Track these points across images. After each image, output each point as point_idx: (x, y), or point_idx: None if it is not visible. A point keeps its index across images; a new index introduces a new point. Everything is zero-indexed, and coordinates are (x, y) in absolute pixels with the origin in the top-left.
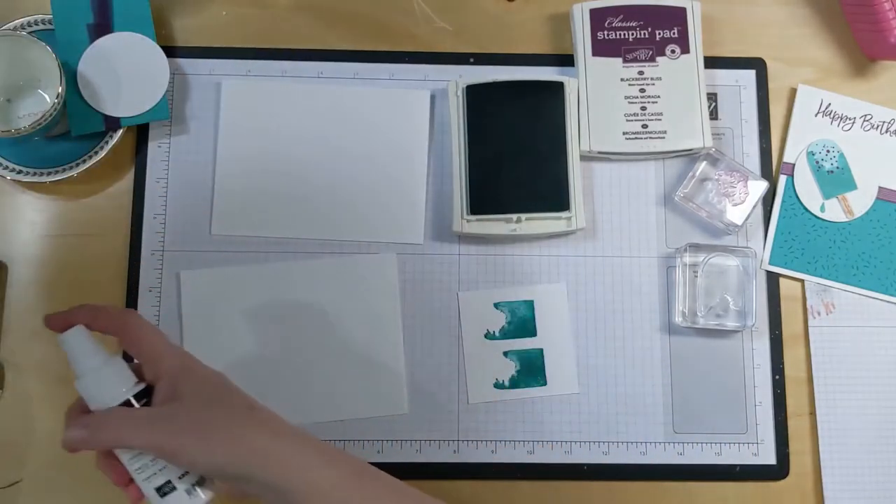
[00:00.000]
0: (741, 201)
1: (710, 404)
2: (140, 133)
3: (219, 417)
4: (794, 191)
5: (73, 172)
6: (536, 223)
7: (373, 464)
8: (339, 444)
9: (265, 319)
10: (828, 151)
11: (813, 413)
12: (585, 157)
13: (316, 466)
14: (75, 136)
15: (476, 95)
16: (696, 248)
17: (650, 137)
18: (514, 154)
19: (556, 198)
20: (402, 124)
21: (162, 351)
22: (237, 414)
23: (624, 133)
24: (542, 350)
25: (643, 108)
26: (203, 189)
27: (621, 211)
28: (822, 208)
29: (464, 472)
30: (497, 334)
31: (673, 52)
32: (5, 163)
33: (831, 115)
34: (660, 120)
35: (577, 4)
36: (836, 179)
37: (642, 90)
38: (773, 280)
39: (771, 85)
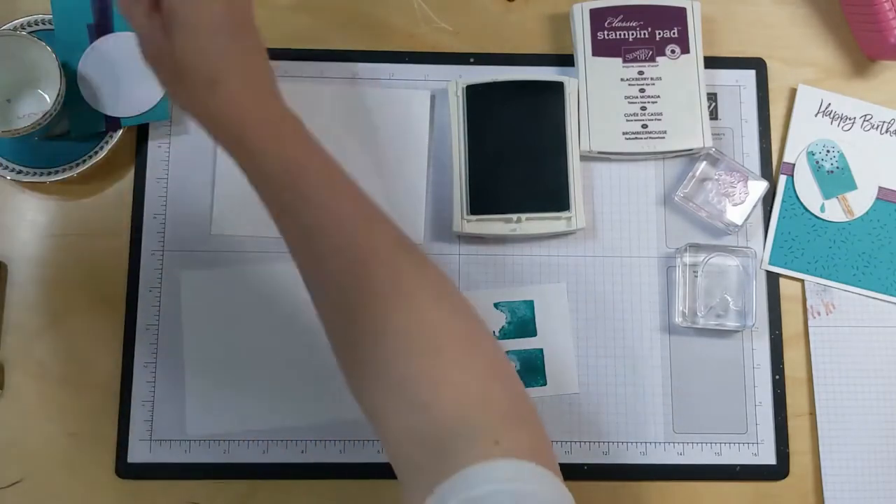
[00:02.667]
0: (741, 201)
1: (710, 404)
2: (140, 133)
3: (179, 83)
4: (794, 191)
5: (73, 172)
6: (536, 223)
7: (374, 464)
8: (339, 444)
9: (265, 319)
10: (828, 151)
11: (813, 413)
12: (585, 157)
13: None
14: (75, 136)
15: (476, 95)
16: (696, 248)
17: (650, 137)
18: (514, 154)
19: (556, 198)
20: (402, 124)
21: None
22: (199, 88)
23: (624, 133)
24: (542, 350)
25: (643, 108)
26: (203, 189)
27: (621, 211)
28: (822, 208)
29: None
30: (497, 334)
31: (673, 52)
32: (5, 163)
33: (831, 115)
34: (660, 120)
35: (577, 4)
36: (836, 179)
37: (642, 90)
38: (773, 280)
39: (771, 85)
